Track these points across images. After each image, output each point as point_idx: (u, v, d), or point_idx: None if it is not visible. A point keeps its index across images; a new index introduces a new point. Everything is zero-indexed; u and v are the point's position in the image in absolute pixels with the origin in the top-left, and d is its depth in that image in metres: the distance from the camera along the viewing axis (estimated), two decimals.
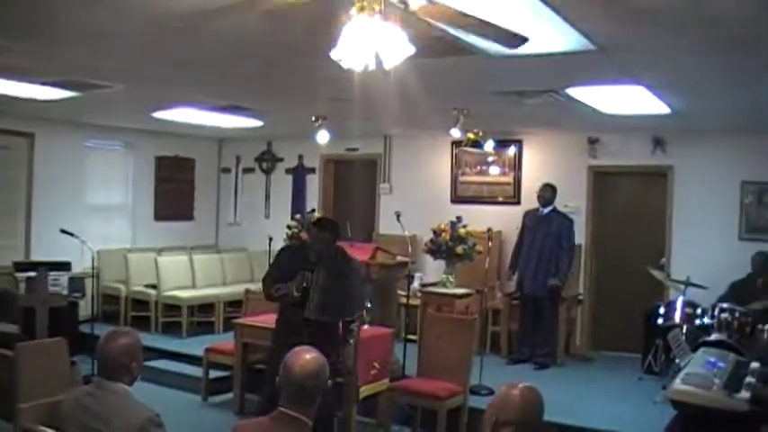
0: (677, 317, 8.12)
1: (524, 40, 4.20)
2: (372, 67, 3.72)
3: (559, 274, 9.15)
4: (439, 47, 4.69)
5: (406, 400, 7.19)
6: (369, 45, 3.59)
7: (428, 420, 7.07)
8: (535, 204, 9.57)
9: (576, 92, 7.08)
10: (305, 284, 6.01)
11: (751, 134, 9.06)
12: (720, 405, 4.91)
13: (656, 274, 8.76)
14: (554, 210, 9.41)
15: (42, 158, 10.81)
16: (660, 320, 8.28)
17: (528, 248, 9.37)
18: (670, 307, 8.35)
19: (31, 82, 7.53)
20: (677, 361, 6.70)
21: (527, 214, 9.62)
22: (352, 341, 6.25)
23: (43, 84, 7.61)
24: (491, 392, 7.60)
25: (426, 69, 5.67)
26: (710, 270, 8.65)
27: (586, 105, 7.64)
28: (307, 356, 3.25)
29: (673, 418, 5.50)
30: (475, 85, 7.06)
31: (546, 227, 9.27)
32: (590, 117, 8.33)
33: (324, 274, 6.09)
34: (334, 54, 3.69)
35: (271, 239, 6.42)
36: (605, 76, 6.20)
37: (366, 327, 7.06)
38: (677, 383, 5.22)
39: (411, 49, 3.72)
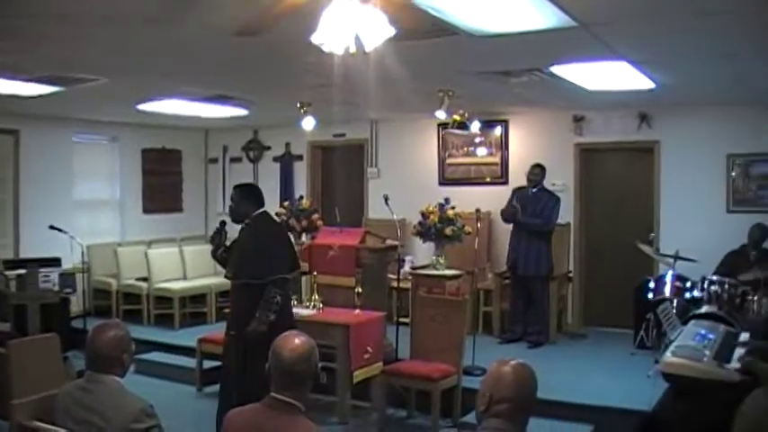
0: (667, 291, 8.16)
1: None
2: (353, 49, 3.72)
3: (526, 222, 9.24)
4: (419, 28, 4.67)
5: (399, 382, 7.21)
6: (349, 28, 3.59)
7: (422, 402, 7.11)
8: (522, 183, 9.59)
9: (560, 70, 7.08)
10: (218, 238, 6.42)
11: (736, 106, 9.10)
12: (711, 376, 4.93)
13: (645, 248, 8.79)
14: (542, 189, 9.42)
15: (28, 155, 10.77)
16: (650, 295, 8.33)
17: (519, 229, 9.37)
18: (660, 281, 8.40)
19: (14, 78, 7.50)
20: (668, 334, 6.73)
21: (516, 191, 9.57)
22: (268, 311, 5.92)
23: (27, 80, 7.57)
24: (484, 372, 7.55)
25: (408, 51, 5.65)
26: (699, 243, 8.71)
27: (571, 83, 7.64)
28: (296, 341, 3.23)
29: (665, 390, 5.53)
30: (458, 66, 7.05)
31: (534, 206, 9.26)
32: (575, 95, 8.33)
33: (239, 235, 6.27)
34: (315, 38, 3.69)
35: (223, 223, 6.52)
36: (588, 52, 6.20)
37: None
38: (668, 356, 5.24)
39: (391, 31, 3.72)
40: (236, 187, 6.55)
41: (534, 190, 9.36)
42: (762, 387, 2.89)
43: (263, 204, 6.32)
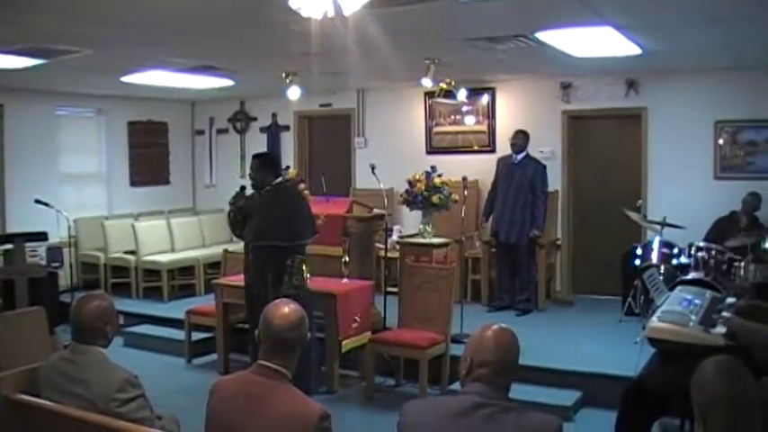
0: (654, 257, 8.17)
1: None
2: (331, 14, 3.68)
3: (537, 223, 9.15)
4: None
5: (388, 351, 7.24)
6: None
7: (411, 370, 7.13)
8: (510, 152, 9.56)
9: (546, 36, 7.03)
10: (235, 202, 6.91)
11: (724, 72, 9.08)
12: (697, 341, 4.93)
13: (633, 215, 8.77)
14: (527, 156, 9.39)
15: (12, 129, 10.67)
16: (638, 261, 8.33)
17: (503, 196, 9.34)
18: (647, 248, 8.40)
19: None
20: (654, 300, 6.74)
21: (501, 161, 9.60)
22: (295, 275, 6.56)
23: (8, 52, 7.49)
24: None
25: (390, 18, 5.61)
26: (687, 210, 8.72)
27: (557, 49, 7.60)
28: (285, 309, 3.24)
29: (651, 355, 5.54)
30: (443, 33, 6.99)
31: (520, 173, 9.25)
32: (561, 61, 8.30)
33: (260, 200, 6.68)
34: (293, 2, 3.65)
35: (243, 188, 6.63)
36: (573, 17, 6.15)
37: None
38: (654, 321, 5.23)
39: None
40: (256, 156, 6.94)
41: (519, 157, 9.34)
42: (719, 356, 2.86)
43: (280, 173, 6.81)
